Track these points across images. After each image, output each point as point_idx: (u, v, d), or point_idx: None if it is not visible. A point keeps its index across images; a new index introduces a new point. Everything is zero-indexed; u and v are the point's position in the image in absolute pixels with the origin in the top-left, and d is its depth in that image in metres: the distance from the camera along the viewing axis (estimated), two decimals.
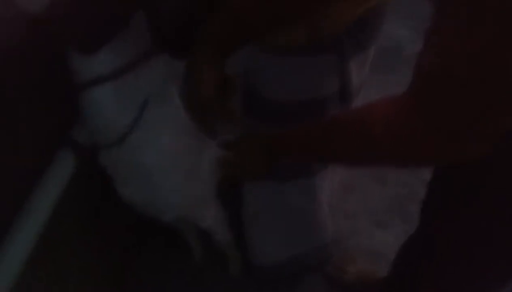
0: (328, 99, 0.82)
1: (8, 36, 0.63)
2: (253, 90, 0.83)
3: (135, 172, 0.80)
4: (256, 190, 0.95)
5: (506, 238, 0.63)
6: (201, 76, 0.63)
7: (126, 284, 1.15)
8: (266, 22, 0.61)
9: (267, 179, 0.77)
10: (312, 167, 0.93)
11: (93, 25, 0.67)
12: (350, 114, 0.59)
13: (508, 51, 0.38)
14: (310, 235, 1.08)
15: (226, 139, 0.72)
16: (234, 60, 0.65)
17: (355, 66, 0.81)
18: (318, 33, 0.72)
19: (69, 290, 0.86)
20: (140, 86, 0.74)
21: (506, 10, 0.37)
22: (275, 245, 1.05)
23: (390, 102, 0.51)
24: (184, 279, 1.20)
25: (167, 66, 0.76)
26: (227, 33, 0.62)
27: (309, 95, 0.81)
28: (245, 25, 0.61)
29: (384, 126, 0.50)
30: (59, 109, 0.77)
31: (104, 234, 1.00)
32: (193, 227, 1.08)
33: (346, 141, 0.57)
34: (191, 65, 0.64)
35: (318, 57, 0.76)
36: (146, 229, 1.14)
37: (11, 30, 0.63)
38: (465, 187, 0.63)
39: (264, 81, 0.81)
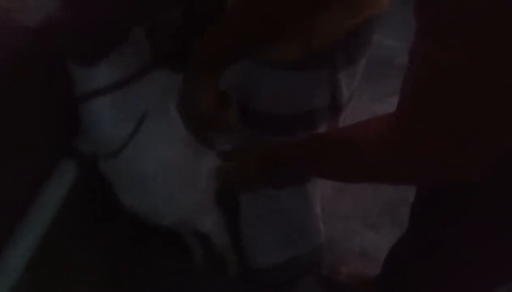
0: (319, 112, 0.83)
1: (10, 46, 0.63)
2: (247, 103, 0.84)
3: (133, 181, 0.81)
4: (252, 196, 0.97)
5: (495, 240, 0.64)
6: (196, 92, 0.64)
7: (127, 288, 1.16)
8: (258, 37, 0.62)
9: (262, 186, 0.78)
10: (305, 175, 0.95)
11: (92, 38, 0.69)
12: (344, 131, 0.60)
13: (494, 58, 0.38)
14: (304, 238, 1.10)
15: (224, 149, 0.73)
16: (229, 73, 0.66)
17: (346, 79, 0.82)
18: (310, 46, 0.73)
19: None
20: (139, 99, 0.75)
21: (487, 17, 0.37)
22: (271, 248, 1.07)
23: (382, 120, 0.51)
24: (183, 282, 1.21)
25: (165, 79, 0.77)
26: (219, 49, 0.63)
27: (301, 108, 0.82)
28: (237, 40, 0.62)
29: (376, 144, 0.50)
30: (61, 118, 0.77)
31: (104, 240, 1.01)
32: (192, 231, 1.09)
33: (339, 158, 0.57)
34: (187, 81, 0.65)
35: (310, 71, 0.77)
36: (146, 233, 1.15)
37: (13, 40, 0.64)
38: (454, 189, 0.63)
39: (258, 94, 0.82)
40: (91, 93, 0.72)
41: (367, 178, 0.61)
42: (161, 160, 0.80)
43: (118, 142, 0.76)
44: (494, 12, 0.37)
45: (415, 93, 0.45)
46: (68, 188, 0.78)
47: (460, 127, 0.43)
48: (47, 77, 0.72)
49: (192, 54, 0.64)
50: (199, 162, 0.85)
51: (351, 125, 0.58)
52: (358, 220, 1.38)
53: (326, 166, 0.61)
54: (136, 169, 0.79)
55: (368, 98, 1.63)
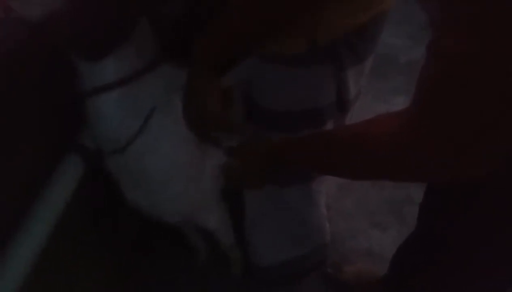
0: (325, 109, 0.82)
1: (13, 40, 0.63)
2: (252, 100, 0.84)
3: (139, 178, 0.81)
4: (257, 194, 0.97)
5: (504, 241, 0.64)
6: (199, 92, 0.63)
7: (132, 285, 1.16)
8: (259, 33, 0.61)
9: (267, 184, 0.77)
10: (310, 173, 0.95)
11: (97, 33, 0.68)
12: (352, 128, 0.59)
13: (505, 51, 0.38)
14: (309, 236, 1.09)
15: (229, 146, 0.73)
16: (234, 70, 0.65)
17: (353, 76, 0.81)
18: (316, 41, 0.72)
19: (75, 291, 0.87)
20: (145, 95, 0.75)
21: (498, 10, 0.37)
22: (275, 246, 1.07)
23: (393, 117, 0.51)
24: (188, 280, 1.22)
25: (172, 75, 0.77)
26: (220, 48, 0.62)
27: (307, 105, 0.81)
28: (238, 38, 0.61)
29: (387, 141, 0.50)
30: (67, 114, 0.77)
31: (110, 236, 1.01)
32: (197, 228, 1.09)
33: (347, 155, 0.57)
34: (189, 82, 0.65)
35: (316, 67, 0.76)
36: (152, 232, 1.15)
37: (17, 34, 0.63)
38: (463, 189, 0.63)
39: (263, 91, 0.82)
40: (97, 89, 0.72)
41: (375, 175, 0.60)
42: (167, 157, 0.80)
43: (124, 138, 0.75)
44: (506, 5, 0.36)
45: (427, 89, 0.45)
46: (74, 184, 0.78)
47: (472, 124, 0.43)
48: (52, 73, 0.72)
49: (193, 54, 0.64)
50: (205, 159, 0.84)
51: (360, 122, 0.57)
52: (364, 219, 1.38)
53: (333, 163, 0.61)
54: (142, 165, 0.79)
55: (370, 97, 1.63)
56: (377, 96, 1.62)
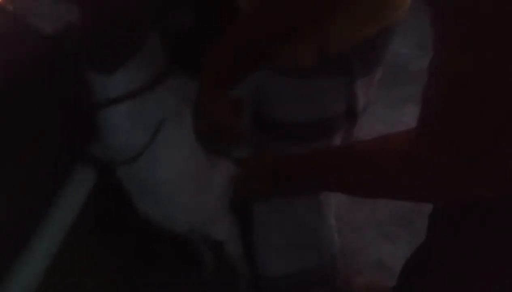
0: (334, 120, 0.83)
1: (29, 53, 0.65)
2: (260, 111, 0.84)
3: (148, 188, 0.82)
4: (265, 206, 0.97)
5: None
6: (208, 103, 0.64)
7: None
8: (270, 43, 0.61)
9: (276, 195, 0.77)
10: (318, 189, 0.94)
11: (109, 46, 0.70)
12: (362, 145, 0.58)
13: (507, 70, 0.37)
14: (318, 248, 1.09)
15: (237, 158, 0.73)
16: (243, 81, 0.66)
17: (362, 87, 0.81)
18: (326, 53, 0.73)
19: None
20: (155, 107, 0.76)
21: (500, 29, 0.36)
22: (283, 258, 1.06)
23: (404, 135, 0.50)
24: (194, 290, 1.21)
25: (181, 87, 0.78)
26: (231, 58, 0.62)
27: (316, 116, 0.81)
28: (249, 48, 0.62)
29: (397, 159, 0.49)
30: (78, 124, 0.79)
31: (119, 246, 1.02)
32: (205, 239, 1.10)
33: (356, 173, 0.56)
34: (199, 93, 0.65)
35: (326, 79, 0.77)
36: (159, 243, 1.16)
37: (31, 46, 0.65)
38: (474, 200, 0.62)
39: (272, 102, 0.82)
40: (109, 101, 0.73)
41: (385, 194, 0.59)
42: (176, 168, 0.80)
43: (134, 149, 0.76)
44: (507, 23, 0.36)
45: (431, 108, 0.45)
46: (85, 194, 0.79)
47: (479, 141, 0.42)
48: (65, 85, 0.73)
49: (203, 66, 0.64)
50: (214, 170, 0.85)
51: (370, 140, 0.56)
52: (374, 230, 1.37)
53: (342, 180, 0.60)
54: (152, 176, 0.80)
55: (380, 106, 1.62)
56: (387, 105, 1.62)
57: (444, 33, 0.41)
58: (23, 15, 0.59)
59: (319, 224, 1.03)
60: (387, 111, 1.60)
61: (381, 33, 0.76)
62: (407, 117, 1.53)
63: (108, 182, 0.82)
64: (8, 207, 0.66)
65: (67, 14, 0.61)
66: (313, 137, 0.82)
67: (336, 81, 0.78)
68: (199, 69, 0.66)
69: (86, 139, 0.82)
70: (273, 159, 0.69)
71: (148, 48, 0.74)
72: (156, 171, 0.79)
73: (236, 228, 1.01)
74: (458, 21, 0.39)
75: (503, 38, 0.37)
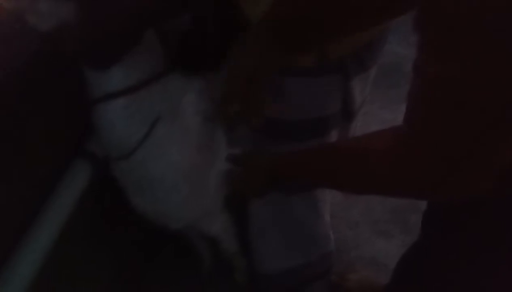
0: (331, 118, 0.83)
1: (27, 50, 0.65)
2: None
3: (144, 184, 0.82)
4: (261, 202, 0.97)
5: (509, 251, 0.64)
6: (248, 54, 0.61)
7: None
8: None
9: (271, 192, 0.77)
10: (313, 186, 0.94)
11: (106, 42, 0.70)
12: (355, 142, 0.60)
13: (488, 76, 0.38)
14: (313, 245, 1.10)
15: (234, 154, 0.73)
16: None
17: (358, 85, 0.82)
18: (327, 56, 0.73)
19: None
20: (152, 104, 0.76)
21: (482, 36, 0.37)
22: (279, 254, 1.07)
23: (391, 133, 0.51)
24: (192, 288, 1.22)
25: (178, 84, 0.78)
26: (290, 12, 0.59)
27: (312, 114, 0.82)
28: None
29: (384, 156, 0.50)
30: (74, 120, 0.79)
31: (115, 242, 1.02)
32: (201, 235, 1.10)
33: (349, 169, 0.57)
34: (243, 42, 0.62)
35: (323, 78, 0.77)
36: (157, 239, 1.16)
37: (26, 43, 0.65)
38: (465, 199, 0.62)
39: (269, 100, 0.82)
40: (104, 97, 0.73)
41: (376, 190, 0.60)
42: (172, 164, 0.80)
43: (129, 145, 0.76)
44: (490, 30, 0.37)
45: (415, 108, 0.46)
46: (81, 189, 0.79)
47: (461, 141, 0.43)
48: (61, 80, 0.73)
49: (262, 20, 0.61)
50: (209, 166, 0.85)
51: (362, 136, 0.57)
52: (368, 227, 1.37)
53: (334, 178, 0.61)
54: (147, 172, 0.80)
55: (377, 106, 1.63)
56: (384, 104, 1.63)
57: (425, 38, 0.42)
58: (20, 12, 0.59)
59: (314, 220, 1.04)
60: (384, 111, 1.60)
61: (378, 35, 0.77)
62: (401, 118, 1.53)
63: (105, 177, 0.82)
64: (4, 202, 0.66)
65: (64, 11, 0.60)
66: (309, 135, 0.83)
67: (333, 80, 0.78)
68: (197, 68, 0.65)
69: (83, 135, 0.82)
70: (267, 158, 0.69)
71: (145, 46, 0.74)
72: (151, 168, 0.80)
73: (231, 224, 1.02)
74: (438, 28, 0.40)
75: (481, 45, 0.38)
